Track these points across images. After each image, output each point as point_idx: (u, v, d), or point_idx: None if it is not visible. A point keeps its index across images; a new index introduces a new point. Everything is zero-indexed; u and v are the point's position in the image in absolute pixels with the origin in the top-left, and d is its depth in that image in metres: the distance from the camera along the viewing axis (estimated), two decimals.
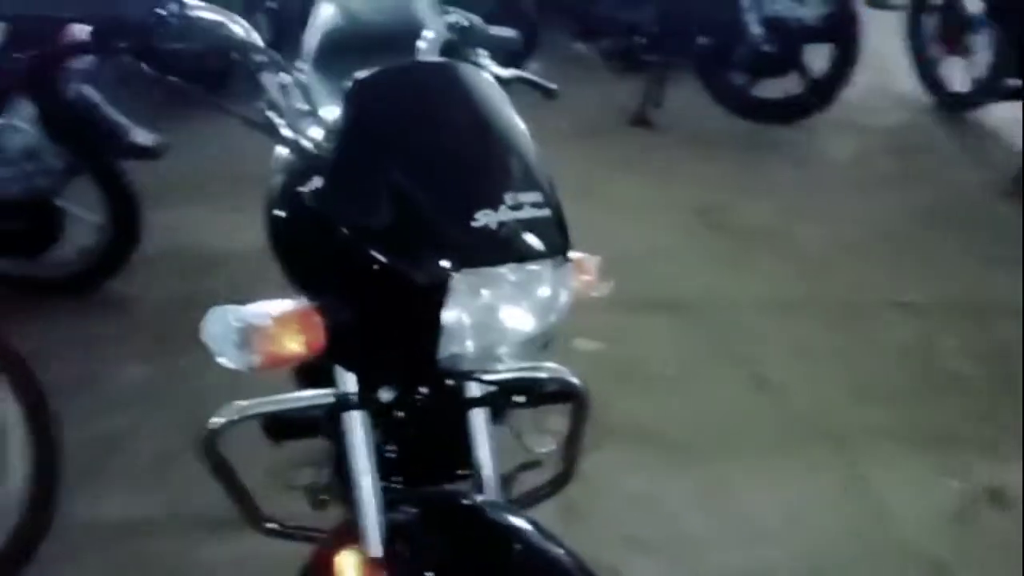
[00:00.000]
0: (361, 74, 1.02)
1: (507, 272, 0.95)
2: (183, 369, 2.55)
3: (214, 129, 4.01)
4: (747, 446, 2.25)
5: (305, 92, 1.09)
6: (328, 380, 1.21)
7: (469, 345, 0.96)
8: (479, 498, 1.17)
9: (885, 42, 4.33)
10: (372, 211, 0.96)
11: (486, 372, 1.08)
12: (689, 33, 3.97)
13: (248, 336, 0.94)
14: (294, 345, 0.95)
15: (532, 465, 1.33)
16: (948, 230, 3.23)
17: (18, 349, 1.83)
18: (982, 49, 3.92)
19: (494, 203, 0.94)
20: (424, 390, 1.15)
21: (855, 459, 2.21)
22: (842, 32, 3.85)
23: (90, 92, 2.67)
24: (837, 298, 2.79)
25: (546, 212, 0.99)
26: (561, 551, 1.05)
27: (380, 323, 0.97)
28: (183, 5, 1.03)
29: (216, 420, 1.30)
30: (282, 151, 1.36)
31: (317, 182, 1.06)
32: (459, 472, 1.32)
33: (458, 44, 1.31)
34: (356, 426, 1.10)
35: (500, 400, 1.21)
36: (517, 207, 0.95)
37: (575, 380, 1.34)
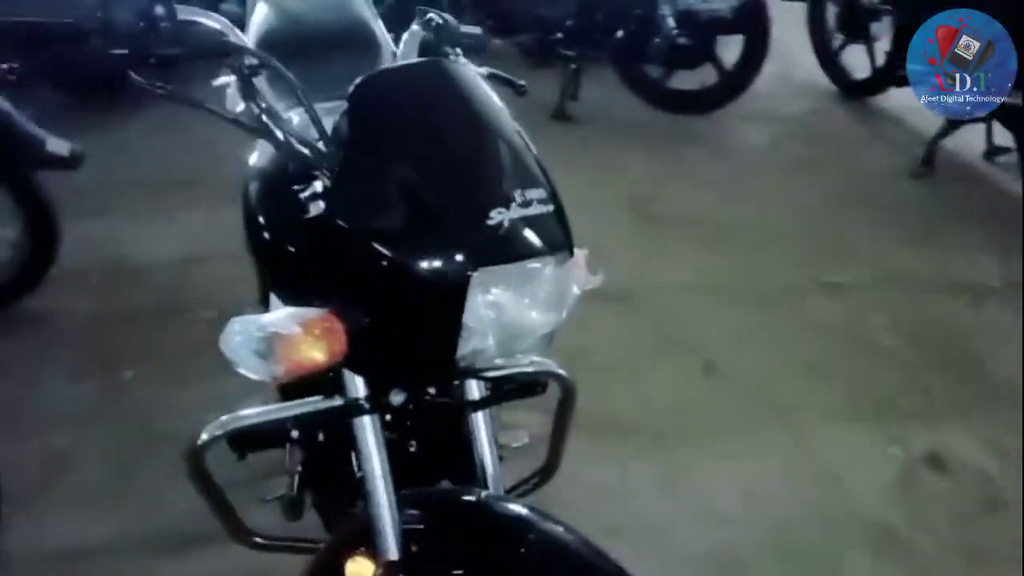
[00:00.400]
0: (363, 76, 1.01)
1: (522, 268, 0.96)
2: (123, 384, 2.47)
3: (127, 135, 3.88)
4: (700, 429, 2.31)
5: (301, 96, 1.06)
6: (306, 391, 1.19)
7: (490, 342, 0.95)
8: (483, 494, 1.17)
9: (788, 33, 4.48)
10: (386, 213, 0.95)
11: (491, 370, 1.08)
12: (606, 27, 4.02)
13: (272, 346, 0.92)
14: (316, 353, 0.93)
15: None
16: (863, 211, 3.38)
17: None
18: (882, 36, 4.10)
19: (506, 201, 0.95)
20: (431, 391, 1.15)
21: (802, 435, 2.30)
22: (752, 23, 3.96)
23: (1, 102, 2.53)
24: (769, 281, 2.88)
25: (551, 208, 1.00)
26: (573, 537, 1.06)
27: (399, 325, 0.96)
28: (173, 11, 0.99)
29: (205, 434, 1.26)
30: (262, 155, 1.33)
31: (317, 186, 1.04)
32: (452, 471, 1.33)
33: (433, 43, 1.30)
34: (368, 430, 1.08)
35: (496, 397, 1.21)
36: (526, 204, 0.96)
37: (564, 373, 1.35)
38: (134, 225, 3.20)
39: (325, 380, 1.21)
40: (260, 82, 1.45)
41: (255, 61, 1.07)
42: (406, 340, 0.97)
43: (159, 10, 0.97)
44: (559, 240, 0.99)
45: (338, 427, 1.48)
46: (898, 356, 2.59)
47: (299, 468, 1.58)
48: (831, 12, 4.43)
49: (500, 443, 1.45)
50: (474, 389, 1.18)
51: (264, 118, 1.06)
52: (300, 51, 1.50)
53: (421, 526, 1.09)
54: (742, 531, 2.02)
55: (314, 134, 1.05)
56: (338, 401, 1.12)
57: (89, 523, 2.03)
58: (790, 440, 2.28)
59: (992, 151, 3.58)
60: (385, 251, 0.92)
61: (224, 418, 1.28)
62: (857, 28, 4.28)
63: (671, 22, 3.94)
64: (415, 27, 1.30)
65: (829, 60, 4.52)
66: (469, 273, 0.92)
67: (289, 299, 1.02)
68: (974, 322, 2.75)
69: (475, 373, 1.10)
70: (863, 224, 3.29)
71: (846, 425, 2.33)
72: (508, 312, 0.96)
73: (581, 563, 1.04)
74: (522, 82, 1.45)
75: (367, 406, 1.08)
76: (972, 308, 2.81)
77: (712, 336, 2.64)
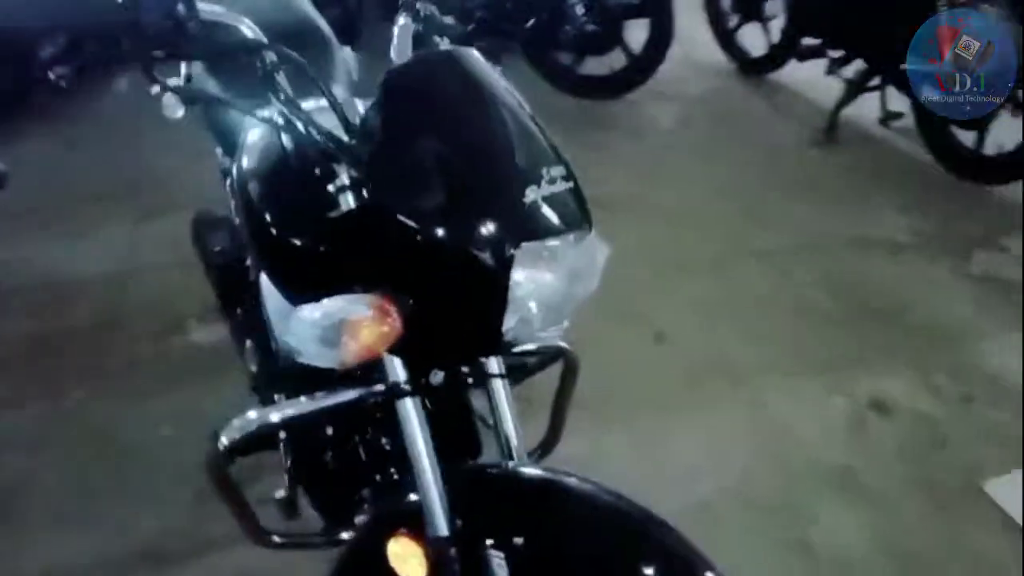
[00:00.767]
0: (394, 66, 1.04)
1: (557, 243, 1.01)
2: (72, 405, 2.40)
3: (45, 149, 3.73)
4: (660, 396, 2.40)
5: (324, 90, 1.08)
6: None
7: (535, 314, 1.00)
8: (517, 464, 1.22)
9: (685, 15, 4.63)
10: (429, 197, 0.98)
11: (519, 346, 1.13)
12: (516, 17, 4.08)
13: (340, 332, 0.94)
14: (379, 337, 0.96)
15: None
16: (777, 181, 3.55)
17: None
18: (776, 14, 4.30)
19: (537, 179, 1.00)
20: (465, 370, 1.18)
21: (754, 392, 2.42)
22: (657, 7, 4.09)
23: None
24: (704, 253, 3.01)
25: (572, 184, 1.05)
26: (611, 496, 1.12)
27: (448, 304, 1.00)
28: (196, 10, 1.00)
29: (227, 435, 1.26)
30: (259, 154, 1.33)
31: (344, 178, 1.06)
32: (460, 450, 1.37)
33: (423, 33, 1.34)
34: (411, 412, 1.11)
35: (521, 371, 1.26)
36: (552, 181, 1.01)
37: (569, 348, 1.42)
38: (59, 243, 3.10)
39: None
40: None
41: (277, 58, 1.08)
42: (455, 318, 1.01)
43: (182, 9, 0.97)
44: (584, 213, 1.05)
45: (328, 424, 1.50)
46: (828, 312, 2.75)
47: (290, 468, 1.59)
48: None
49: (485, 422, 1.50)
50: (495, 366, 1.22)
51: (288, 113, 1.07)
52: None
53: (459, 501, 1.12)
54: (711, 486, 2.12)
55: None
56: (379, 387, 1.15)
57: (57, 548, 1.98)
58: (744, 398, 2.41)
59: (887, 116, 3.81)
60: (433, 233, 0.96)
61: (252, 415, 1.27)
62: (751, 8, 4.47)
63: (580, 9, 4.03)
64: (403, 20, 1.32)
65: (727, 40, 4.70)
66: (513, 250, 0.96)
67: (307, 294, 1.03)
68: (892, 274, 2.95)
69: (511, 348, 1.13)
70: (778, 192, 3.46)
71: (792, 380, 2.47)
72: (550, 284, 1.01)
73: (620, 516, 1.10)
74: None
75: (409, 388, 1.11)
76: (888, 262, 3.01)
77: (658, 307, 2.74)
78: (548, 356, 1.38)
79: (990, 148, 3.30)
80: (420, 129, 1.02)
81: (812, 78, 4.23)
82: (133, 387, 2.52)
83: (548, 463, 1.57)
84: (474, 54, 1.10)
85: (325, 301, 0.97)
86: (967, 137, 3.38)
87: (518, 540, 1.08)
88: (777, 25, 4.36)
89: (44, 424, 2.34)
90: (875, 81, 3.75)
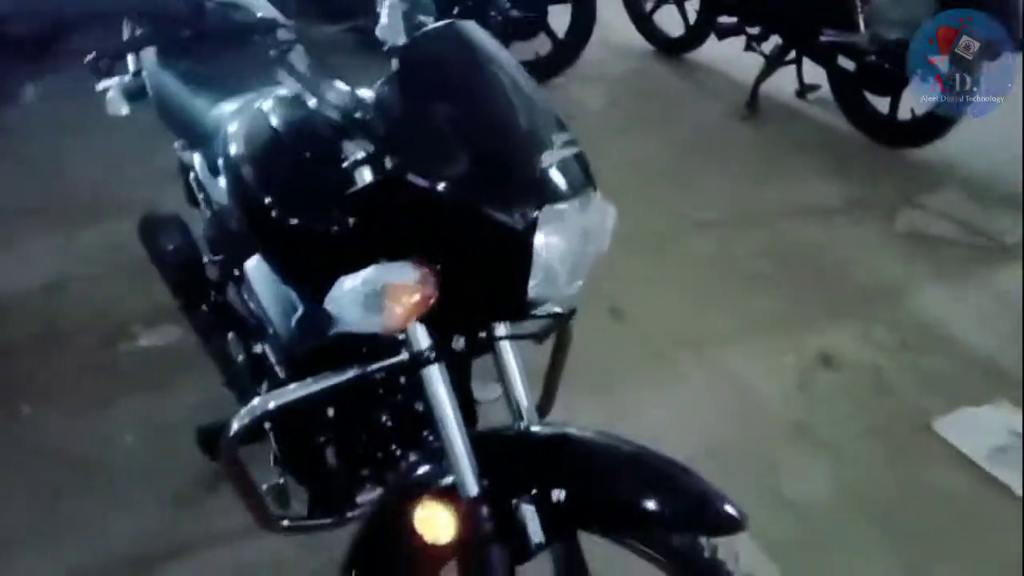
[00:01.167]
0: (409, 40, 1.06)
1: (575, 203, 1.05)
2: (21, 420, 2.34)
3: None
4: (626, 368, 2.46)
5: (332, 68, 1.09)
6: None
7: (560, 272, 1.04)
8: (530, 423, 1.25)
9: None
10: (455, 165, 1.00)
11: (539, 306, 1.16)
12: (442, 5, 4.08)
13: (383, 297, 0.96)
14: (419, 300, 0.98)
15: None
16: (707, 155, 3.67)
17: None
18: None
19: (550, 144, 1.04)
20: (483, 335, 1.21)
21: (711, 357, 2.51)
22: None
23: None
24: (648, 228, 3.07)
25: (578, 148, 1.09)
26: (627, 444, 1.17)
27: (476, 268, 1.02)
28: None
29: (237, 421, 1.26)
30: (250, 137, 1.32)
31: (360, 153, 1.07)
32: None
33: (410, 12, 1.35)
34: (437, 379, 1.13)
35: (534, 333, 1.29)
36: (562, 146, 1.06)
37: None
38: None
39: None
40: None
41: (292, 36, 1.09)
42: (483, 282, 1.04)
43: None
44: (590, 176, 1.09)
45: (313, 411, 1.51)
46: (771, 277, 2.87)
47: (280, 458, 1.59)
48: None
49: (476, 398, 1.53)
50: (503, 330, 1.25)
51: (298, 89, 1.07)
52: (205, 45, 1.49)
53: (487, 462, 1.15)
54: (681, 446, 2.13)
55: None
56: (402, 356, 1.16)
57: (31, 565, 1.93)
58: (701, 362, 2.49)
59: (803, 89, 3.97)
60: (460, 199, 0.98)
61: (254, 403, 1.27)
62: None
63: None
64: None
65: (643, 22, 4.80)
66: (536, 212, 1.00)
67: (330, 272, 1.04)
68: (825, 237, 3.08)
69: (534, 309, 1.15)
70: (710, 166, 3.57)
71: (744, 343, 2.57)
72: (567, 245, 1.04)
73: (638, 460, 1.15)
74: None
75: (434, 356, 1.13)
76: (821, 226, 3.15)
77: (609, 284, 2.79)
78: (565, 316, 1.41)
79: (903, 113, 3.47)
80: (438, 100, 1.04)
81: (728, 56, 4.37)
82: (84, 398, 2.46)
83: None
84: (475, 26, 1.13)
85: (366, 270, 0.98)
86: (882, 104, 3.55)
87: (545, 491, 1.11)
88: (692, 6, 4.48)
89: None
90: (791, 56, 3.90)
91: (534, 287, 1.03)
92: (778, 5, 3.75)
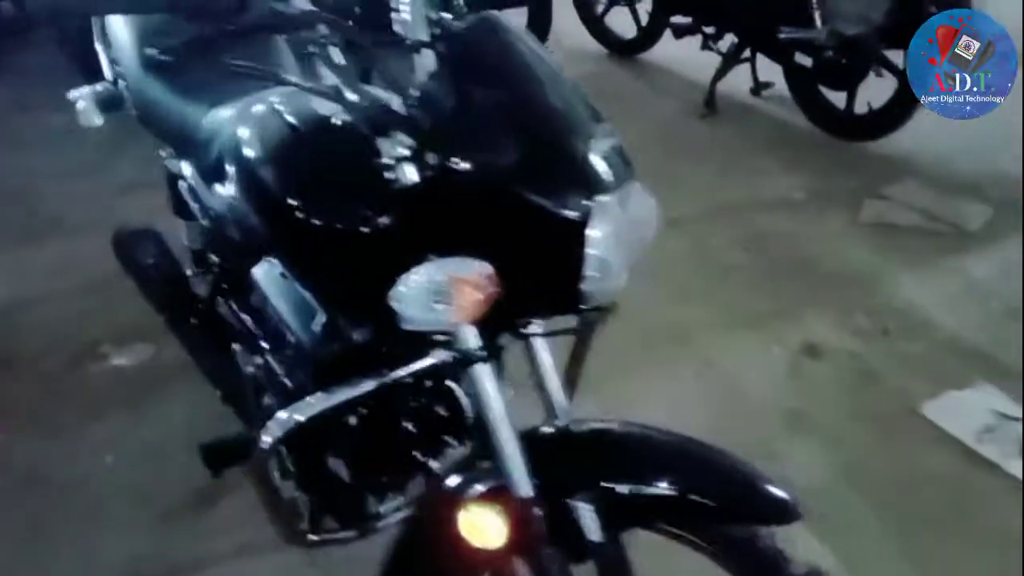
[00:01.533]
0: (449, 35, 1.03)
1: (624, 193, 1.04)
2: None
3: None
4: (617, 363, 2.43)
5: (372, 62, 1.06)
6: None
7: (614, 263, 1.02)
8: (569, 421, 1.23)
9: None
10: (508, 158, 0.98)
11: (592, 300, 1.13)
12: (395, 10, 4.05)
13: (450, 292, 0.93)
14: (485, 295, 0.96)
15: None
16: (669, 154, 3.69)
17: None
18: None
19: (595, 135, 1.02)
20: (527, 332, 1.18)
21: (698, 350, 2.53)
22: None
23: None
24: None
25: (616, 139, 1.08)
26: (670, 435, 1.16)
27: (531, 264, 1.00)
28: None
29: (268, 437, 1.21)
30: (266, 140, 1.27)
31: (400, 149, 1.04)
32: None
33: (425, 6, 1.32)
34: (486, 378, 1.11)
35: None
36: (604, 136, 1.04)
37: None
38: None
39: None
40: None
41: (329, 31, 1.05)
42: (538, 276, 1.02)
43: None
44: (631, 166, 1.08)
45: (331, 421, 1.47)
46: (748, 269, 2.91)
47: (295, 473, 1.54)
48: None
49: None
50: (538, 327, 1.23)
51: (337, 85, 1.04)
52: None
53: (535, 462, 1.13)
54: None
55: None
56: (447, 356, 1.13)
57: None
58: (690, 356, 2.51)
59: (758, 87, 4.04)
60: (514, 193, 0.96)
61: (282, 415, 1.22)
62: None
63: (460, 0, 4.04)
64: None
65: (595, 25, 4.84)
66: (590, 203, 0.98)
67: (364, 273, 1.00)
68: (794, 230, 3.13)
69: (588, 303, 1.12)
70: (674, 165, 3.60)
71: (730, 336, 2.59)
72: (618, 236, 1.03)
73: (683, 449, 1.15)
74: None
75: (483, 354, 1.10)
76: (788, 219, 3.20)
77: None
78: (608, 310, 1.39)
79: (860, 107, 3.55)
80: (484, 94, 1.02)
81: (680, 56, 4.43)
82: (56, 422, 2.37)
83: None
84: (505, 20, 1.12)
85: (426, 264, 0.96)
86: (838, 99, 3.63)
87: (602, 489, 1.10)
88: (644, 8, 4.53)
89: None
90: (746, 53, 3.97)
91: (588, 280, 1.02)
92: (735, 4, 3.81)
